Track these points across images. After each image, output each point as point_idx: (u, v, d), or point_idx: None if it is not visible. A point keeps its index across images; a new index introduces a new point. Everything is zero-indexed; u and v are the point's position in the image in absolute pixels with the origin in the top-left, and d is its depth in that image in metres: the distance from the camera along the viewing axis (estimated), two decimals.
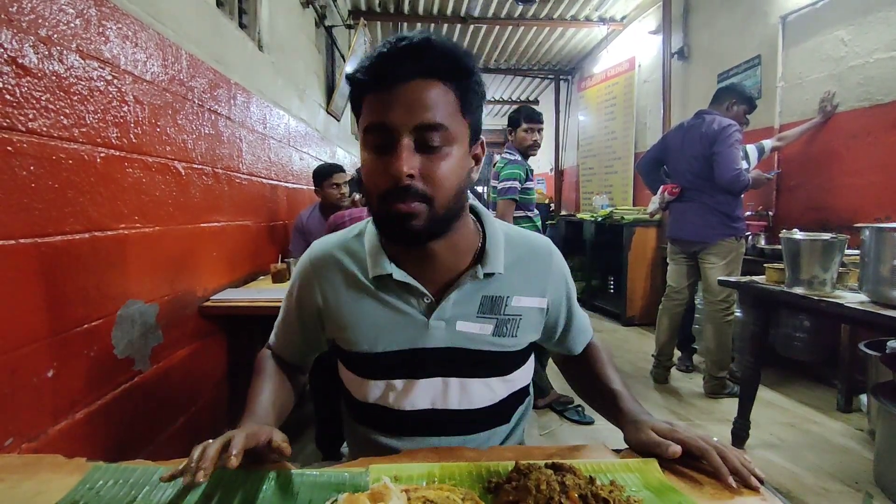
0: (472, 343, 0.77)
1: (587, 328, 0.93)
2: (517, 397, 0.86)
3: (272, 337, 0.92)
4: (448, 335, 0.76)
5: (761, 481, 0.61)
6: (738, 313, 3.09)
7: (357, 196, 2.64)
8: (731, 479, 0.60)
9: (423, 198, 0.66)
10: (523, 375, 0.86)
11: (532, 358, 0.88)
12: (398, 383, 0.78)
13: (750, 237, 3.11)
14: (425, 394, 0.78)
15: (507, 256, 0.79)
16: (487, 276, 0.77)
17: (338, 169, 2.81)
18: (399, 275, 0.75)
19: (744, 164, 2.91)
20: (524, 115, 2.61)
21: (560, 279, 0.85)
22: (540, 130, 2.62)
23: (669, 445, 0.65)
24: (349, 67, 4.37)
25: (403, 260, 0.76)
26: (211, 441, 0.57)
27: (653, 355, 3.10)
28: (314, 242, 0.86)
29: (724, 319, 2.75)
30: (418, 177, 0.65)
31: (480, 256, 0.78)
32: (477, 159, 0.75)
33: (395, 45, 0.65)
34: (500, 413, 0.83)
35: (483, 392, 0.80)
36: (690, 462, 0.65)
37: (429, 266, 0.76)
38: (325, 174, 2.79)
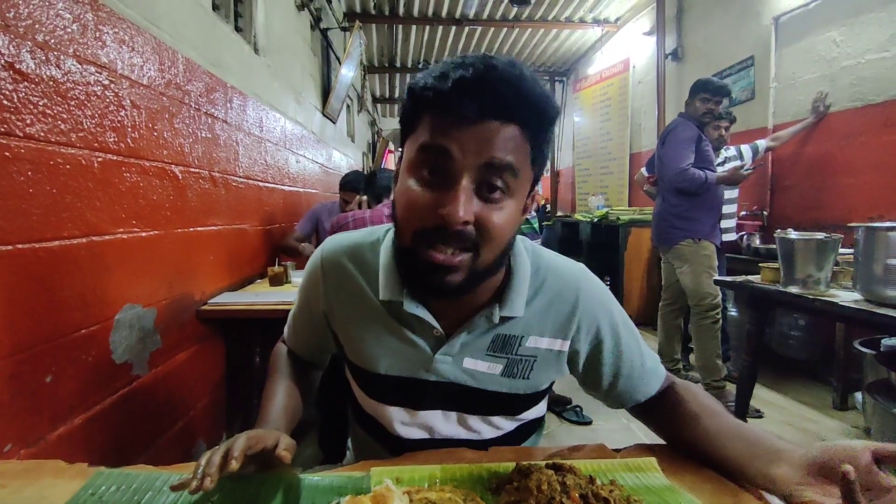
0: (477, 381, 0.72)
1: (654, 371, 0.78)
2: (528, 427, 0.82)
3: (286, 330, 0.89)
4: (453, 370, 0.71)
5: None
6: (733, 312, 3.11)
7: (364, 197, 2.60)
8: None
9: (470, 246, 0.59)
10: (535, 412, 0.81)
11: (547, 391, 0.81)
12: (395, 410, 0.75)
13: (745, 237, 3.13)
14: (423, 425, 0.75)
15: (529, 292, 0.71)
16: (503, 319, 0.70)
17: (350, 188, 2.91)
18: (411, 306, 0.68)
19: (737, 163, 2.93)
20: None
21: (591, 320, 0.74)
22: None
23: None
24: (345, 69, 4.37)
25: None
26: (216, 448, 0.57)
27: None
28: (329, 239, 0.80)
29: (700, 323, 2.67)
30: (472, 224, 0.57)
31: (500, 295, 0.69)
32: (525, 210, 0.65)
33: (484, 74, 0.56)
34: (506, 444, 0.78)
35: (485, 428, 0.76)
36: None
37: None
38: (341, 185, 2.97)
